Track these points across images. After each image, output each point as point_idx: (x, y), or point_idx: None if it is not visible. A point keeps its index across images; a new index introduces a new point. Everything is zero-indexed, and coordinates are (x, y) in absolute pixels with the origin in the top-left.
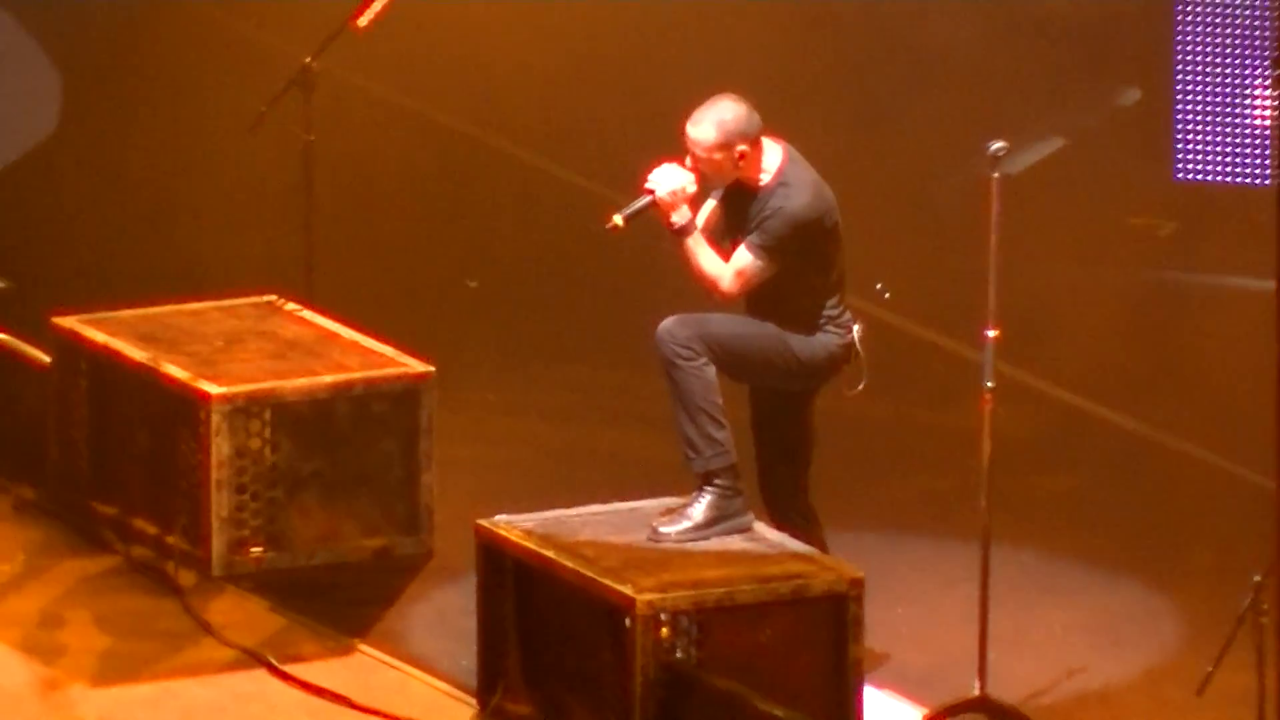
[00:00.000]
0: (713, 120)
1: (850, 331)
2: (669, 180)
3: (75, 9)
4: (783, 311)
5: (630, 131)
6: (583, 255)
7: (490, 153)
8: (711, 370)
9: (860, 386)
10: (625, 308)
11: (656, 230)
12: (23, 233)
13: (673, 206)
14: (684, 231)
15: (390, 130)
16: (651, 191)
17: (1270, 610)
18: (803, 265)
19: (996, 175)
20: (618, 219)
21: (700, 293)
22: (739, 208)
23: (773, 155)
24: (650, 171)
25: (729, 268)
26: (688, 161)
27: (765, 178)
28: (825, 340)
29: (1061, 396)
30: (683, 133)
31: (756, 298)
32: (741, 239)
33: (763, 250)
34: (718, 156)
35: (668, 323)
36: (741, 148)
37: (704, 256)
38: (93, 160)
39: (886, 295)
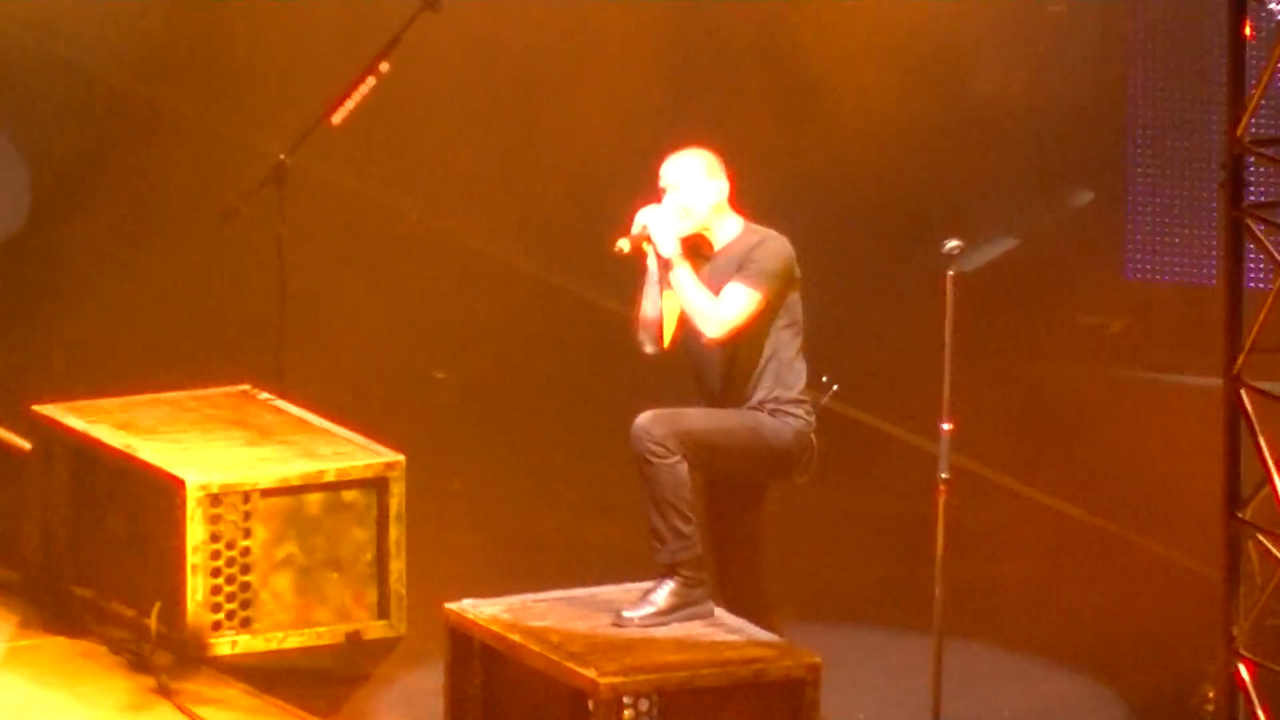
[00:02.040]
0: (693, 155)
1: (812, 419)
2: (657, 214)
3: (49, 100)
4: (759, 385)
5: (594, 224)
6: (548, 347)
7: (457, 246)
8: (684, 468)
9: (808, 475)
10: (590, 399)
11: (612, 322)
12: (9, 323)
13: (663, 238)
14: (675, 260)
15: (360, 223)
16: (644, 225)
17: (1217, 700)
18: (783, 326)
19: (951, 273)
20: (623, 243)
21: (671, 384)
22: (707, 271)
23: (733, 217)
24: (635, 214)
25: (720, 303)
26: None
27: (730, 233)
28: (795, 424)
29: (1013, 486)
30: (658, 179)
31: (736, 375)
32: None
33: (752, 280)
34: (698, 187)
35: (643, 419)
36: (720, 186)
37: (696, 288)
38: (68, 252)
39: (834, 388)
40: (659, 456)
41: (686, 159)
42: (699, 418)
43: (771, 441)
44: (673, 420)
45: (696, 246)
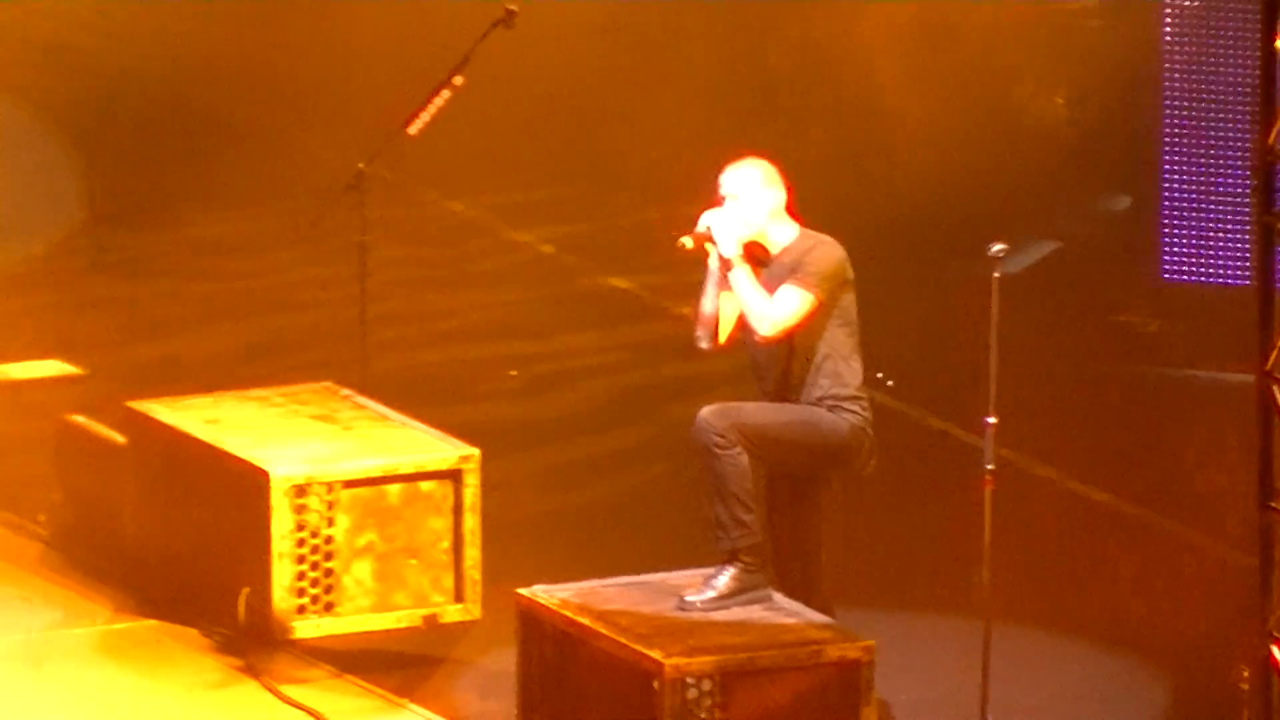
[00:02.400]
0: (750, 165)
1: (869, 412)
2: (718, 216)
3: (146, 113)
4: (817, 381)
5: (658, 231)
6: (612, 346)
7: (528, 251)
8: (745, 458)
9: (870, 468)
10: (652, 395)
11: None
12: (102, 325)
13: (723, 238)
14: (735, 259)
15: (435, 229)
16: (708, 226)
17: (1251, 679)
18: (837, 324)
19: (997, 275)
20: (686, 240)
21: (735, 379)
22: (764, 275)
23: (789, 224)
24: (699, 216)
25: (773, 303)
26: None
27: (786, 238)
28: (851, 420)
29: (1054, 477)
30: (718, 187)
31: (792, 372)
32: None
33: (806, 283)
34: (755, 196)
35: (706, 412)
36: (776, 195)
37: (752, 287)
38: (165, 259)
39: (889, 384)
40: (721, 448)
41: (745, 169)
42: (759, 411)
43: (829, 435)
44: (734, 413)
45: (753, 252)
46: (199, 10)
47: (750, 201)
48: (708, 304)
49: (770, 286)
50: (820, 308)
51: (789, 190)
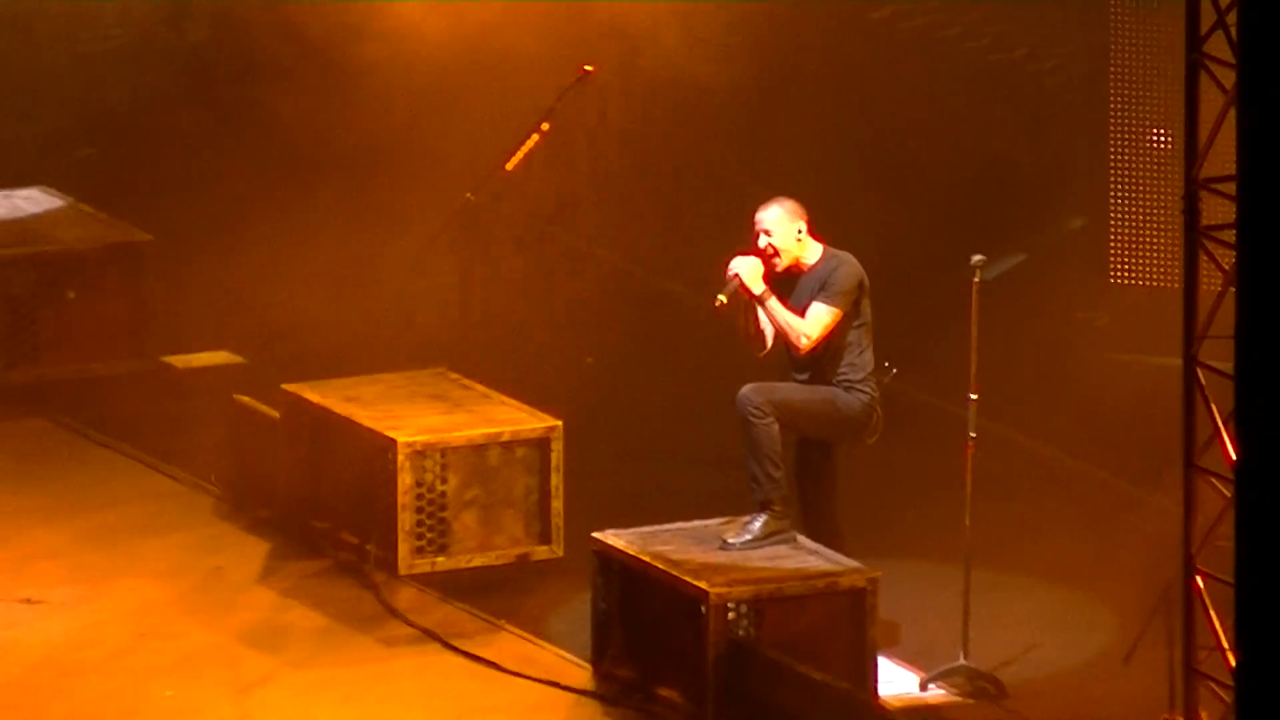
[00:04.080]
0: (779, 204)
1: (877, 392)
2: (745, 264)
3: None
4: (835, 368)
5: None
6: (673, 341)
7: (604, 262)
8: (776, 427)
9: (876, 437)
10: (706, 379)
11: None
12: (259, 321)
13: (753, 281)
14: (764, 297)
15: (531, 246)
16: (736, 275)
17: (1176, 600)
18: (852, 324)
19: (976, 280)
20: (721, 297)
21: (769, 364)
22: (792, 289)
23: (814, 244)
24: (728, 264)
25: (806, 321)
26: (760, 245)
27: (814, 257)
28: (862, 398)
29: (1023, 441)
30: (753, 222)
31: (818, 361)
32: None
33: (832, 299)
34: (785, 229)
35: (746, 389)
36: (800, 225)
37: (785, 313)
38: (307, 269)
39: (893, 371)
40: (756, 418)
41: (773, 208)
42: (789, 389)
43: (844, 410)
44: (769, 391)
45: (789, 270)
46: None
47: (780, 234)
48: (752, 327)
49: (800, 297)
50: (845, 317)
51: (809, 219)
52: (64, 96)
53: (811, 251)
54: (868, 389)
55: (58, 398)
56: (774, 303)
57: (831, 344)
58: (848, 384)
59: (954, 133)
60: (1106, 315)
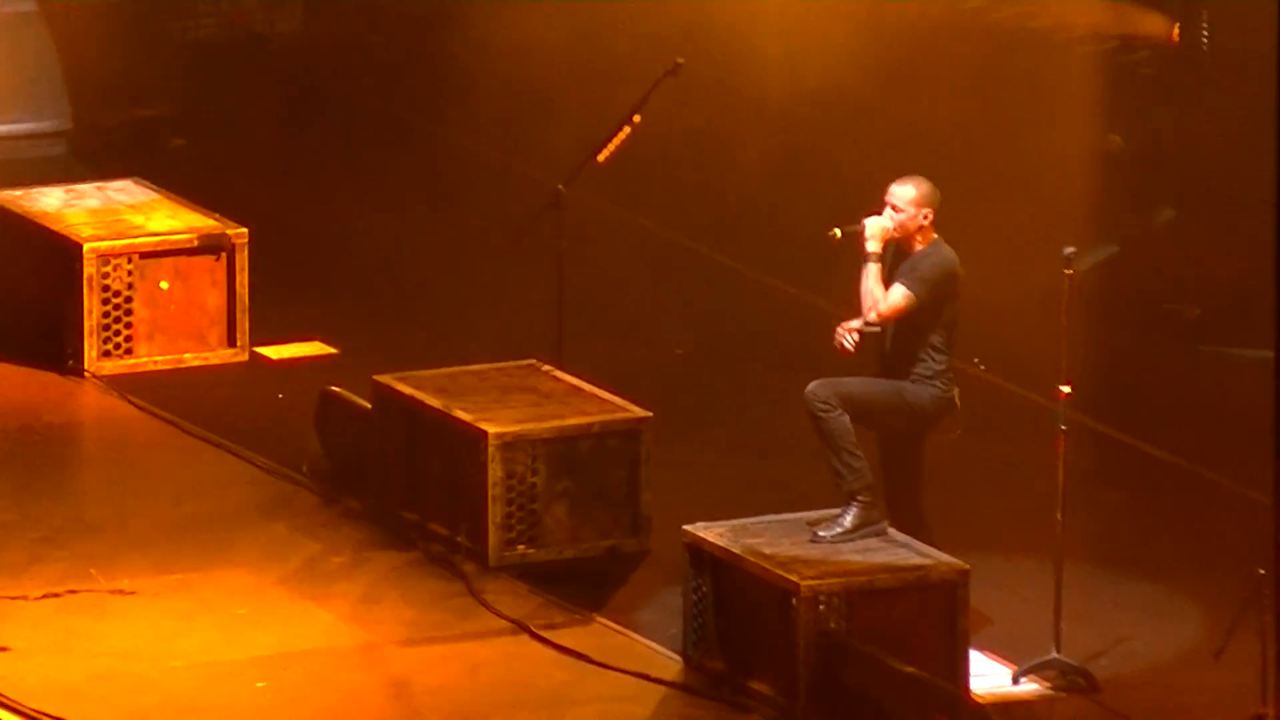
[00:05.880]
0: (915, 183)
1: (953, 388)
2: (877, 223)
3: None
4: (909, 361)
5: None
6: (762, 334)
7: (692, 254)
8: (845, 418)
9: (958, 433)
10: (794, 375)
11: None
12: (356, 313)
13: (872, 239)
14: (867, 257)
15: (614, 239)
16: (863, 224)
17: (1269, 594)
18: (933, 320)
19: (1069, 271)
20: (836, 231)
21: (852, 365)
22: (898, 265)
23: (930, 233)
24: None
25: (886, 295)
26: (886, 214)
27: (924, 243)
28: (932, 391)
29: (1113, 435)
30: (886, 191)
31: (893, 353)
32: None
33: (912, 284)
34: (911, 210)
35: (812, 385)
36: (927, 211)
37: (872, 281)
38: (399, 261)
39: (982, 367)
40: (824, 411)
41: (908, 187)
42: (855, 383)
43: (913, 402)
44: (834, 385)
45: (900, 246)
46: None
47: (908, 213)
48: (874, 285)
49: (895, 277)
50: (922, 308)
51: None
52: (156, 88)
53: (925, 237)
54: (940, 384)
55: (152, 388)
56: (871, 267)
57: (909, 338)
58: (918, 378)
59: (1047, 123)
60: (1197, 308)
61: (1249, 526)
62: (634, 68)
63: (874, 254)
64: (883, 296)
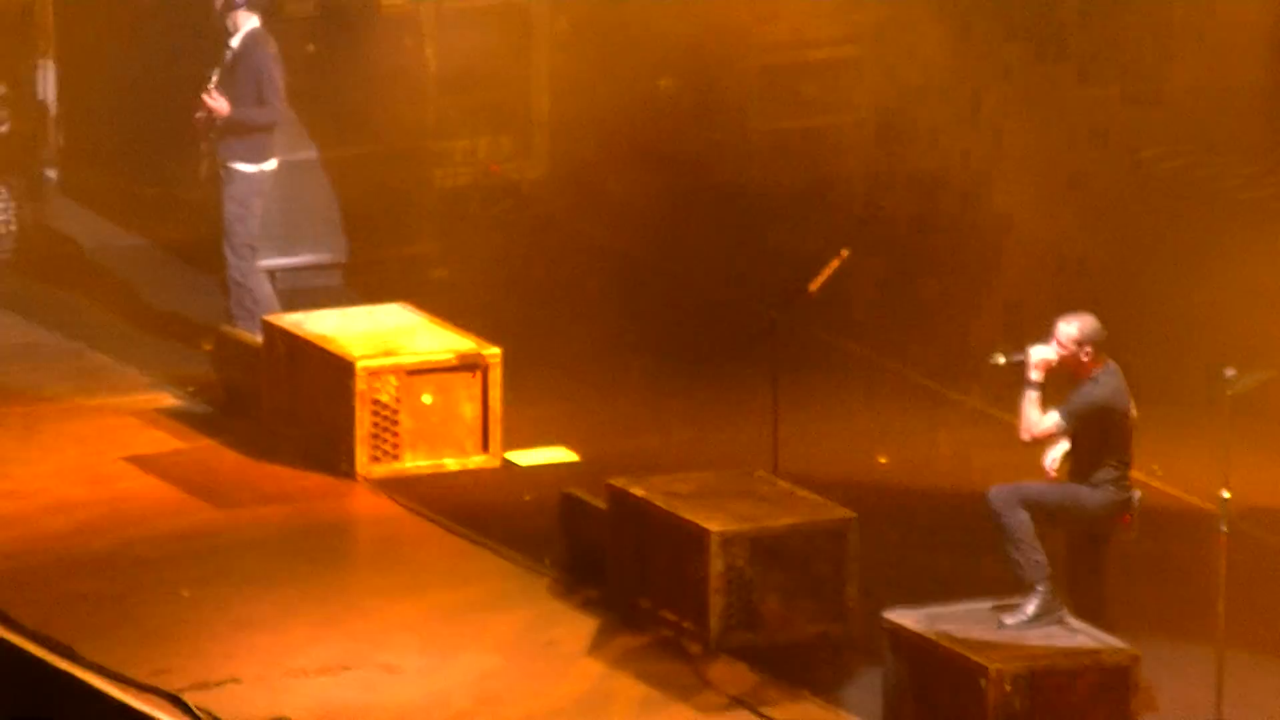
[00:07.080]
0: (1079, 323)
1: (1128, 492)
2: (1041, 350)
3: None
4: (1085, 470)
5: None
6: (962, 441)
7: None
8: (1024, 515)
9: (1134, 534)
10: (988, 480)
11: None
12: (597, 423)
13: (1035, 367)
14: (1027, 385)
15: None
16: (1028, 353)
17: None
18: (1098, 440)
19: (1229, 394)
20: (1000, 358)
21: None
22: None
23: (1101, 364)
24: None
25: (1039, 420)
26: (1052, 346)
27: (1094, 371)
28: (1105, 495)
29: (1271, 541)
30: (1054, 324)
31: (1074, 459)
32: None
33: (1063, 413)
34: (1073, 347)
35: (994, 488)
36: (1089, 349)
37: (1030, 406)
38: (642, 374)
39: (1000, 362)
40: (1003, 514)
41: (1073, 325)
42: (1032, 486)
43: (1085, 504)
44: (1016, 488)
45: (1072, 373)
46: None
47: (1068, 350)
48: (1031, 410)
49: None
50: (1087, 429)
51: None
52: (419, 227)
53: (1093, 366)
54: (1113, 489)
55: (415, 489)
56: (1030, 394)
57: (1084, 448)
58: (1094, 483)
59: (1195, 257)
60: None
61: None
62: None
63: (1035, 382)
64: (1037, 421)
